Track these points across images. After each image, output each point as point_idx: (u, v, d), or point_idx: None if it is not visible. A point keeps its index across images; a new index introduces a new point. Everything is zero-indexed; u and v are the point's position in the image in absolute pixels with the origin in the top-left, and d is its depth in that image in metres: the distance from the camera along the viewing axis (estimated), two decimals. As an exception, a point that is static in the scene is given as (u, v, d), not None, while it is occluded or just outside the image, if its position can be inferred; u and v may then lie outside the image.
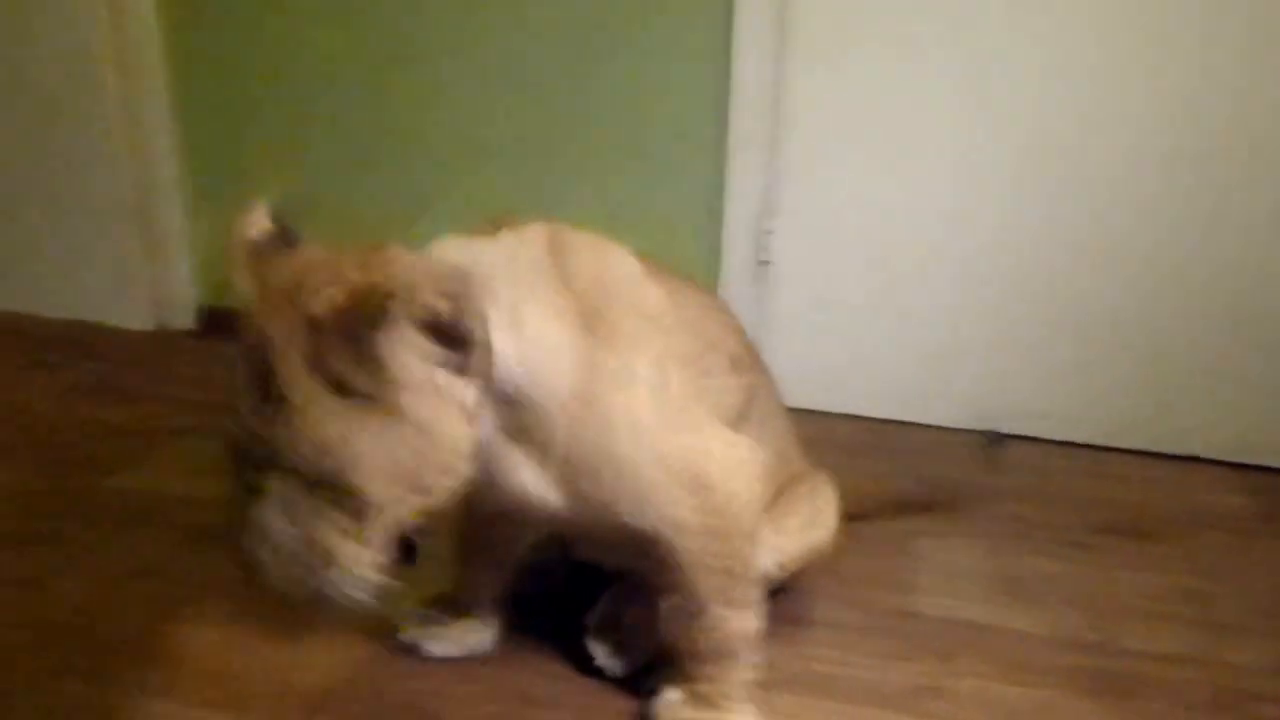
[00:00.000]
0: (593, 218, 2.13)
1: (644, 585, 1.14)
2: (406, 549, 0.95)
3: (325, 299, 0.83)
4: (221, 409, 0.90)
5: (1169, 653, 1.36)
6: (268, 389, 0.84)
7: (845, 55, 1.93)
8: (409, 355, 0.86)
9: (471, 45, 2.09)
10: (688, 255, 2.09)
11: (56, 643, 1.31)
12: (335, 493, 0.86)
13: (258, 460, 0.87)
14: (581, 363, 0.98)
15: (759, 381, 1.28)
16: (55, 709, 1.19)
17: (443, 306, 0.85)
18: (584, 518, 1.03)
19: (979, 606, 1.46)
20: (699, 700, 1.13)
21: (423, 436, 0.87)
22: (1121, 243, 1.91)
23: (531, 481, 1.01)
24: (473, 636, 1.31)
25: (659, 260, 1.16)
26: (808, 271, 2.07)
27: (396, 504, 0.89)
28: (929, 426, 2.08)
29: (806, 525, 1.30)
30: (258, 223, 0.92)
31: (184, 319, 2.42)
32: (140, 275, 2.40)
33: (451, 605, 1.32)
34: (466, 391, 0.90)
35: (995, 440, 1.94)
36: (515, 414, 0.98)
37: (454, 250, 1.00)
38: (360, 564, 0.89)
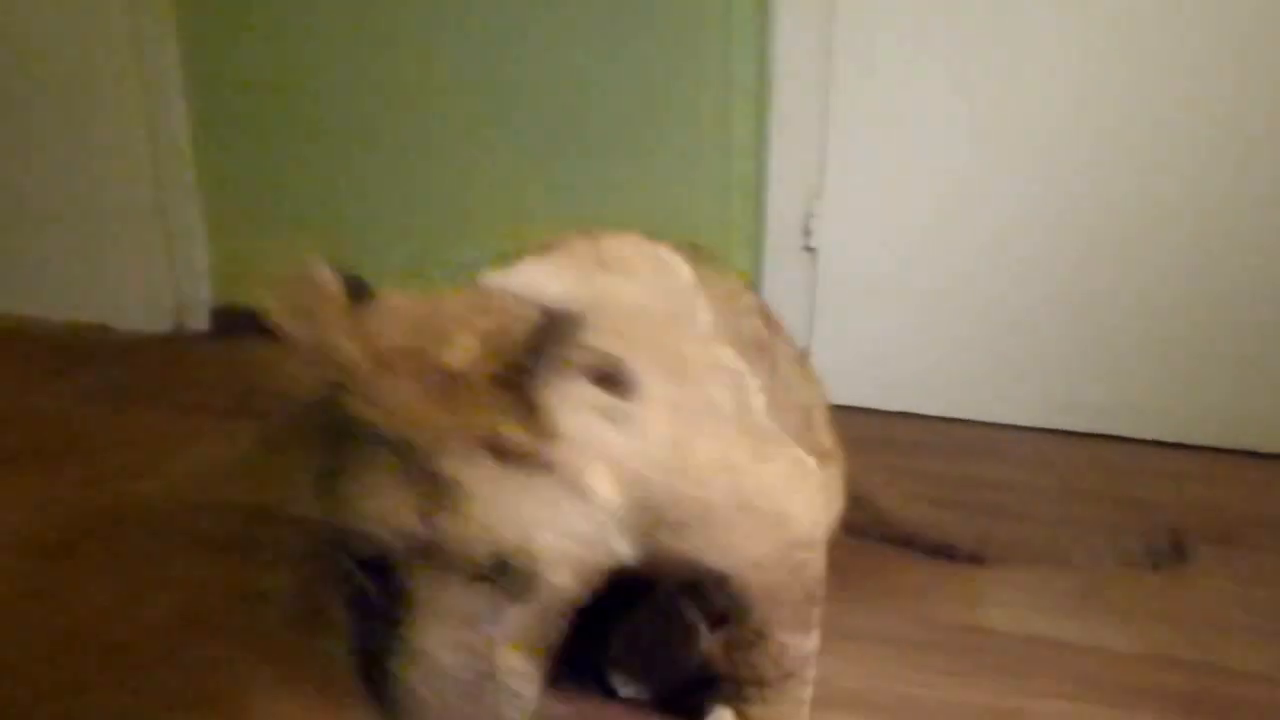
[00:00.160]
0: (631, 203, 2.11)
1: (665, 607, 1.09)
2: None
3: (464, 352, 0.70)
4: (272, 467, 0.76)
5: (1273, 674, 1.24)
6: (416, 470, 0.69)
7: (893, 33, 1.85)
8: (566, 404, 0.72)
9: (506, 31, 2.05)
10: (728, 241, 2.02)
11: (78, 653, 1.28)
12: (506, 582, 0.72)
13: (399, 565, 0.70)
14: (662, 402, 0.84)
15: (778, 352, 1.17)
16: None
17: (603, 346, 0.73)
18: (649, 566, 0.90)
19: (1056, 620, 1.35)
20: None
21: (586, 495, 0.74)
22: (1208, 229, 1.79)
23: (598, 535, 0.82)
24: None
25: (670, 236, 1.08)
26: (856, 257, 1.98)
27: (564, 584, 0.75)
28: (988, 424, 1.96)
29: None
30: (326, 277, 0.74)
31: (199, 320, 2.42)
32: (157, 278, 2.40)
33: None
34: (619, 440, 0.78)
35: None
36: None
37: (531, 277, 0.88)
38: (527, 680, 0.75)
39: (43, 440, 1.87)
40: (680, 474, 0.84)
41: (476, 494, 0.69)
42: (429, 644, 0.70)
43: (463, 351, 0.70)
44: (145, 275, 2.40)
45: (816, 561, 1.00)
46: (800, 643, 1.03)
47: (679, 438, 0.84)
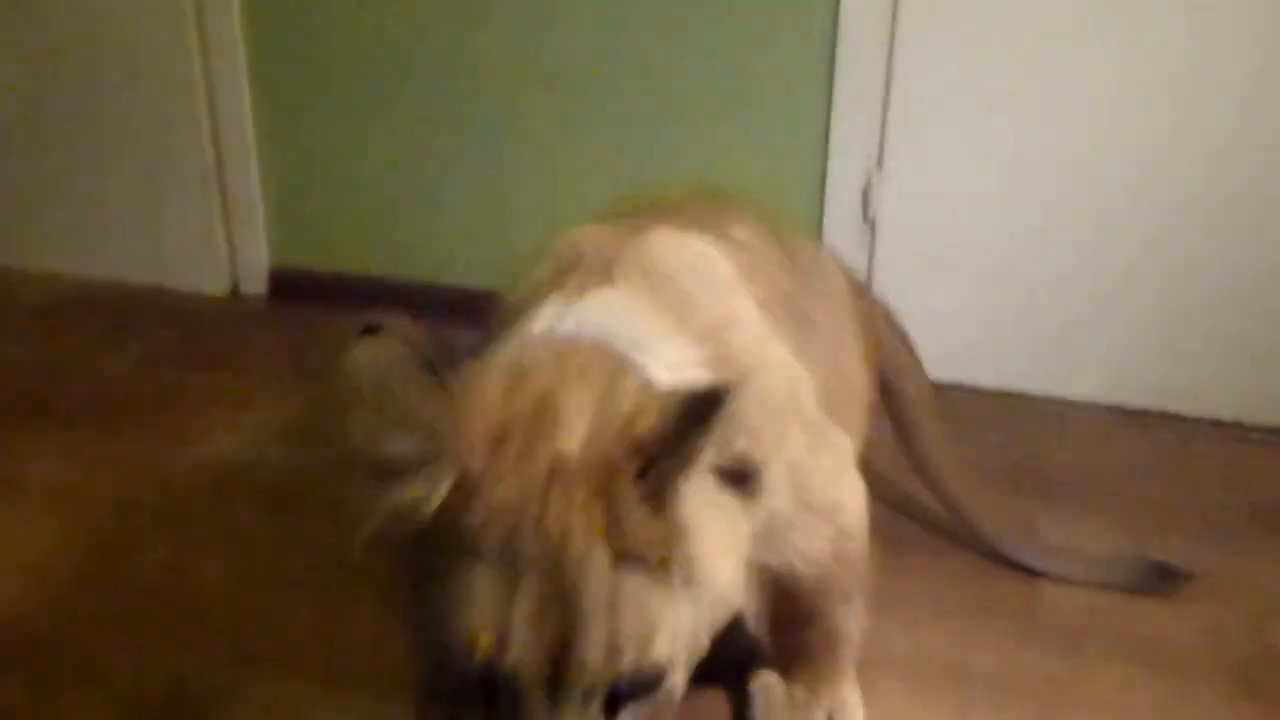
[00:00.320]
0: (693, 171, 2.10)
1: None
2: None
3: (579, 436, 0.63)
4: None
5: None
6: (529, 578, 0.60)
7: (958, 8, 1.81)
8: (692, 500, 0.64)
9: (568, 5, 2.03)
10: (789, 211, 1.99)
11: (145, 610, 1.30)
12: (624, 692, 0.63)
13: (507, 686, 0.61)
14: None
15: (806, 304, 1.09)
16: (146, 676, 1.18)
17: (741, 445, 0.64)
18: None
19: (1113, 595, 1.32)
20: (798, 683, 1.06)
21: (706, 590, 0.66)
22: (1273, 206, 1.74)
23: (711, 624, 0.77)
24: None
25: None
26: (918, 229, 1.95)
27: (681, 682, 0.68)
28: (1046, 398, 1.92)
29: None
30: (402, 355, 0.62)
31: (257, 284, 2.42)
32: (217, 240, 2.41)
33: None
34: (744, 523, 0.71)
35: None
36: None
37: (611, 321, 0.76)
38: None
39: (102, 401, 1.89)
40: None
41: (600, 605, 0.60)
42: None
43: (578, 436, 0.63)
44: (203, 238, 2.40)
45: (862, 548, 0.98)
46: (847, 624, 1.02)
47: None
